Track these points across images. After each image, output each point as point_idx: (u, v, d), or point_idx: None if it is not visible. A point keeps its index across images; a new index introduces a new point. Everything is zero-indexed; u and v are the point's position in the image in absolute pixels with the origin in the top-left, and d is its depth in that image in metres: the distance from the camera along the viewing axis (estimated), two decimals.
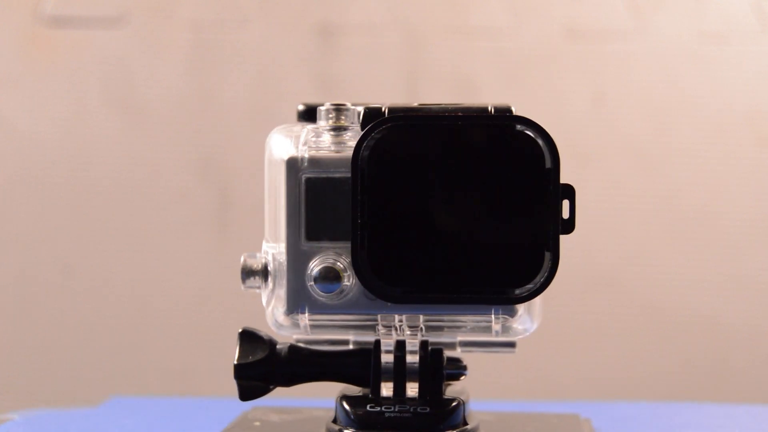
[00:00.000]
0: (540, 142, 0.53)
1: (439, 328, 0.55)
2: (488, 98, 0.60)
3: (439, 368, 0.55)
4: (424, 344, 0.55)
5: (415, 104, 0.56)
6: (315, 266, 0.55)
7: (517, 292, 0.53)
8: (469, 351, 0.58)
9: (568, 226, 0.53)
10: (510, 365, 1.19)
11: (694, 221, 1.20)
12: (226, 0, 1.21)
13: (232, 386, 0.58)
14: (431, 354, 0.55)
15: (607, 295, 1.20)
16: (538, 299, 0.55)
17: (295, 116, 0.62)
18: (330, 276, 0.54)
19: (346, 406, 0.56)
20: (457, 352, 0.58)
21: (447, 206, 0.53)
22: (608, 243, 1.21)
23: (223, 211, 1.21)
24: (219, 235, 1.21)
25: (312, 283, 0.55)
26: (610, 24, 1.20)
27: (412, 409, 0.54)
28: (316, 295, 0.55)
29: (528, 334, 0.57)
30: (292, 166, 0.55)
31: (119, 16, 1.21)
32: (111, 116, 1.21)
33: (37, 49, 1.21)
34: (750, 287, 1.20)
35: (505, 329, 0.56)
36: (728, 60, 1.20)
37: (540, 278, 0.53)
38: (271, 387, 0.58)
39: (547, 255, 0.53)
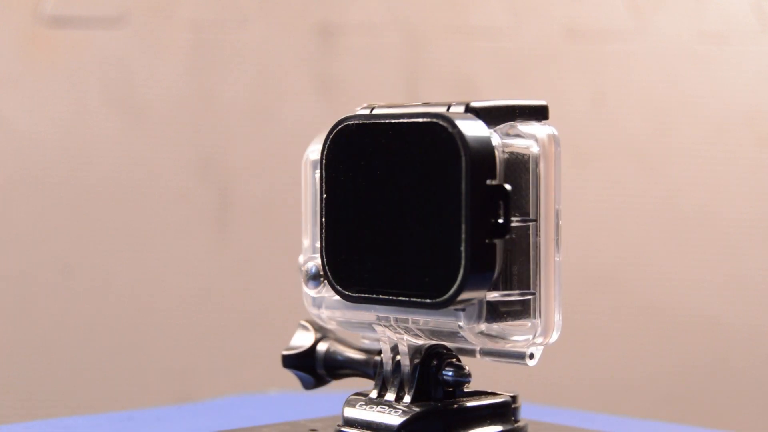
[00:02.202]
0: (458, 142, 0.50)
1: (438, 333, 0.54)
2: (488, 98, 0.59)
3: (425, 373, 0.55)
4: (419, 348, 0.55)
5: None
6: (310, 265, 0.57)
7: (439, 299, 0.50)
8: (487, 359, 0.56)
9: (501, 230, 0.49)
10: (509, 364, 1.19)
11: (694, 221, 1.20)
12: (226, 0, 1.21)
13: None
14: (425, 358, 0.55)
15: (607, 295, 1.20)
16: (549, 306, 0.52)
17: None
18: (317, 275, 0.57)
19: (345, 404, 0.57)
20: (478, 360, 0.57)
21: (385, 208, 0.52)
22: (608, 243, 1.21)
23: (223, 211, 1.21)
24: (219, 235, 1.21)
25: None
26: (610, 24, 1.20)
27: (386, 411, 0.54)
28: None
29: (540, 345, 0.54)
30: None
31: (119, 16, 1.21)
32: (111, 116, 1.21)
33: (37, 49, 1.21)
34: (750, 287, 1.20)
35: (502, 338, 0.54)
36: (728, 60, 1.20)
37: (455, 285, 0.50)
38: (325, 379, 0.61)
39: (463, 261, 0.49)
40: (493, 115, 0.53)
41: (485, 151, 0.50)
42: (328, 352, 0.61)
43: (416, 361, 0.55)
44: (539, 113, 0.55)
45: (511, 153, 0.52)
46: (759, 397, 1.21)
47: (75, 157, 1.21)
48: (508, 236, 0.50)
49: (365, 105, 0.56)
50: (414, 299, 0.51)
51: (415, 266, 0.51)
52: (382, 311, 0.54)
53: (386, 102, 0.57)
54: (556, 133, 0.54)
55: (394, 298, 0.52)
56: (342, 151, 0.54)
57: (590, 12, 1.21)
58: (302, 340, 0.63)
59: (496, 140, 0.52)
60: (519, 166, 0.53)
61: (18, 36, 1.20)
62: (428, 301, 0.50)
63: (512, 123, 0.54)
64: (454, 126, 0.50)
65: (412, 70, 1.21)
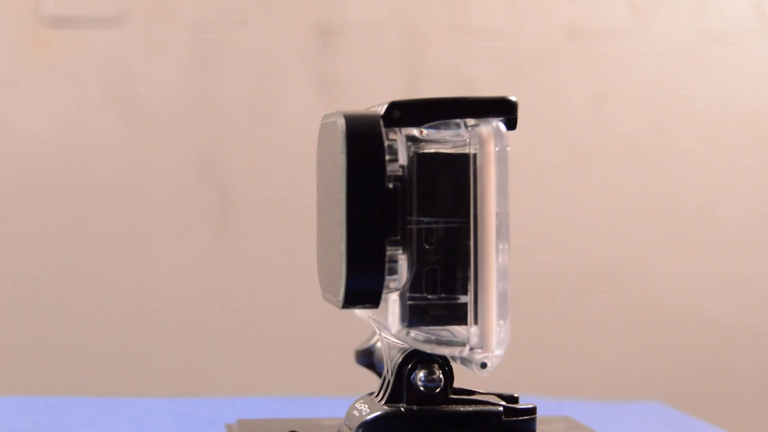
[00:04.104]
0: (343, 141, 0.49)
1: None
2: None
3: (399, 375, 0.54)
4: (403, 350, 0.54)
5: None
6: None
7: (338, 297, 0.50)
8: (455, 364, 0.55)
9: (388, 229, 0.49)
10: (509, 364, 1.19)
11: (694, 221, 1.20)
12: (226, 0, 1.21)
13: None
14: (402, 361, 0.54)
15: (607, 295, 1.20)
16: (487, 314, 0.50)
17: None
18: None
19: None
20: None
21: (325, 209, 0.53)
22: (608, 243, 1.21)
23: (223, 211, 1.21)
24: (219, 235, 1.21)
25: None
26: (610, 24, 1.20)
27: (363, 411, 0.54)
28: None
29: (482, 354, 0.51)
30: None
31: (119, 16, 1.21)
32: (111, 116, 1.21)
33: (37, 49, 1.21)
34: (750, 287, 1.20)
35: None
36: (728, 60, 1.20)
37: (342, 284, 0.49)
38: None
39: (345, 260, 0.49)
40: (421, 112, 0.51)
41: (370, 149, 0.49)
42: (378, 351, 0.61)
43: (396, 362, 0.54)
44: (500, 109, 0.52)
45: (434, 152, 0.51)
46: (759, 396, 1.21)
47: (75, 157, 1.21)
48: (397, 236, 0.49)
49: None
50: (331, 298, 0.51)
51: (333, 266, 0.51)
52: (361, 312, 0.54)
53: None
54: (503, 130, 0.51)
55: (331, 297, 0.52)
56: (319, 151, 0.55)
57: (590, 12, 1.21)
58: (374, 338, 0.62)
59: (401, 138, 0.50)
60: (447, 164, 0.50)
61: (18, 36, 1.20)
62: (336, 299, 0.50)
63: (450, 120, 0.51)
64: (343, 125, 0.49)
65: (412, 70, 1.21)
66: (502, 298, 0.50)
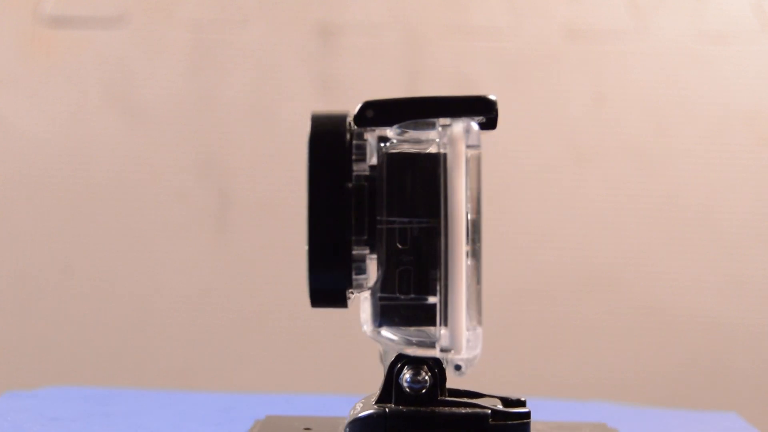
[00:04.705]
0: (308, 142, 0.49)
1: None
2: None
3: (389, 375, 0.54)
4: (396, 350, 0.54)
5: None
6: None
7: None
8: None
9: (349, 228, 0.49)
10: (509, 364, 1.19)
11: (694, 221, 1.20)
12: (226, 0, 1.21)
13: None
14: (394, 361, 0.54)
15: (607, 295, 1.20)
16: (457, 315, 0.49)
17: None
18: None
19: None
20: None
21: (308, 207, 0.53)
22: (608, 243, 1.21)
23: (223, 211, 1.21)
24: (219, 235, 1.21)
25: None
26: (610, 24, 1.20)
27: (358, 409, 0.54)
28: None
29: (455, 357, 0.51)
30: None
31: (119, 16, 1.21)
32: (111, 116, 1.21)
33: (37, 49, 1.21)
34: (750, 287, 1.20)
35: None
36: (728, 60, 1.20)
37: (308, 289, 0.50)
38: None
39: (308, 257, 0.50)
40: (394, 112, 0.51)
41: (331, 149, 0.49)
42: None
43: (389, 362, 0.54)
44: (477, 108, 0.51)
45: (403, 151, 0.51)
46: (759, 396, 1.21)
47: (75, 157, 1.21)
48: (365, 236, 0.49)
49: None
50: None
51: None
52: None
53: None
54: (475, 129, 0.50)
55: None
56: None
57: (590, 12, 1.21)
58: None
59: (373, 138, 0.50)
60: (417, 165, 0.50)
61: (18, 36, 1.20)
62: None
63: (425, 120, 0.51)
64: (309, 125, 0.49)
65: (412, 70, 1.21)
66: (473, 299, 0.50)
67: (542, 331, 1.20)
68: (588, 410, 0.78)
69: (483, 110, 0.51)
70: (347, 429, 0.53)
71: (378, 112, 0.51)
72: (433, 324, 0.51)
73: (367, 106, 0.51)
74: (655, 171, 1.21)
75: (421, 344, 0.51)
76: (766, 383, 1.21)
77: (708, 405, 1.21)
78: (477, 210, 0.50)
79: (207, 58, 1.21)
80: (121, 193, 1.21)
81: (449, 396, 0.54)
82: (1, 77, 1.21)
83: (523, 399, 0.55)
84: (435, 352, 0.51)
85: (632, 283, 1.20)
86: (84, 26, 1.21)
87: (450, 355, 0.50)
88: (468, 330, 0.50)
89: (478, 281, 0.50)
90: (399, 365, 0.53)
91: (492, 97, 0.51)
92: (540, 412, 0.57)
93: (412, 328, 0.51)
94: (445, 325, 0.50)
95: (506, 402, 0.55)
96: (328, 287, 0.50)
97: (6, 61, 1.20)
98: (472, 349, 0.50)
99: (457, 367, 0.51)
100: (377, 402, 0.53)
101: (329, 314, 1.04)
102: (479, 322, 0.50)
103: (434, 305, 0.50)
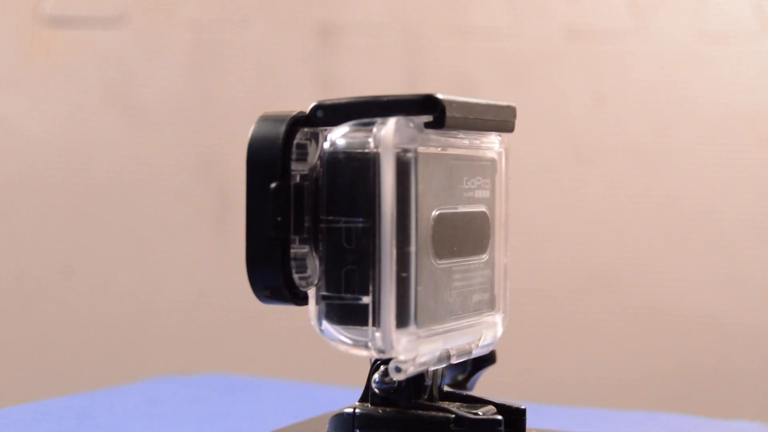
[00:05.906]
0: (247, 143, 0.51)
1: None
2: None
3: (371, 376, 0.54)
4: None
5: None
6: None
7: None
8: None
9: (279, 228, 0.50)
10: (509, 364, 1.19)
11: (694, 221, 1.20)
12: (226, 0, 1.21)
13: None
14: (372, 363, 0.54)
15: (607, 295, 1.20)
16: (387, 316, 0.49)
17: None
18: None
19: None
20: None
21: None
22: (608, 243, 1.21)
23: (223, 211, 1.21)
24: (219, 235, 1.21)
25: None
26: (610, 24, 1.20)
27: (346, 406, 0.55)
28: None
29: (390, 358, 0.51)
30: None
31: (119, 16, 1.21)
32: (111, 116, 1.21)
33: (37, 49, 1.21)
34: (750, 287, 1.20)
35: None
36: (728, 60, 1.20)
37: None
38: None
39: (246, 256, 0.51)
40: (342, 112, 0.52)
41: (264, 149, 0.51)
42: None
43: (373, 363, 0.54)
44: (423, 107, 0.51)
45: (340, 151, 0.51)
46: (759, 396, 1.21)
47: (75, 157, 1.21)
48: (304, 235, 0.50)
49: None
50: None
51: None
52: None
53: None
54: (409, 128, 0.50)
55: None
56: None
57: (590, 12, 1.21)
58: None
59: (321, 138, 0.51)
60: (353, 165, 0.50)
61: (18, 36, 1.20)
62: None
63: (371, 120, 0.51)
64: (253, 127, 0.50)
65: (412, 70, 1.21)
66: (409, 301, 0.50)
67: (542, 331, 1.20)
68: (588, 416, 0.78)
69: (429, 109, 0.51)
70: (328, 424, 0.54)
71: (327, 113, 0.52)
72: (366, 324, 0.50)
73: (318, 107, 0.53)
74: (655, 171, 1.21)
75: (357, 344, 0.51)
76: (766, 383, 1.21)
77: (708, 405, 1.21)
78: (408, 210, 0.49)
79: (207, 58, 1.21)
80: (121, 193, 1.21)
81: (443, 399, 0.54)
82: (1, 77, 1.21)
83: (522, 407, 0.54)
84: (372, 353, 0.50)
85: (632, 283, 1.20)
86: (84, 26, 1.21)
87: (385, 357, 0.50)
88: (418, 332, 0.49)
89: (414, 282, 0.50)
90: (376, 365, 0.53)
91: (440, 95, 0.51)
92: (543, 419, 0.57)
93: (353, 328, 0.51)
94: (377, 325, 0.50)
95: (504, 409, 0.54)
96: (266, 285, 0.52)
97: (6, 61, 1.20)
98: (408, 353, 0.49)
99: (397, 369, 0.50)
100: (360, 400, 0.54)
101: None
102: (416, 326, 0.50)
103: (367, 305, 0.50)
